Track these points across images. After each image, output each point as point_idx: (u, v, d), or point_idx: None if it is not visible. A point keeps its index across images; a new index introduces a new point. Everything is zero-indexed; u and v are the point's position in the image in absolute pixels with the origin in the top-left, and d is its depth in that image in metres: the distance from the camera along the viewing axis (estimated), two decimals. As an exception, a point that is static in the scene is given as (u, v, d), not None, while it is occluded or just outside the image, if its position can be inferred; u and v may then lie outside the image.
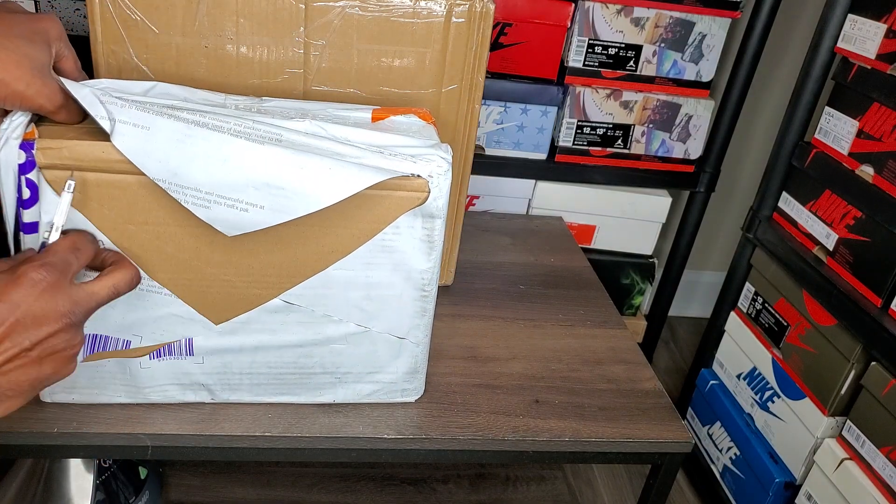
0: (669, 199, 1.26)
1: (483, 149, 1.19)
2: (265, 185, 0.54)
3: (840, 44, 1.01)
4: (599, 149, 1.21)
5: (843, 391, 0.98)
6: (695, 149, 1.23)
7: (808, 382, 1.04)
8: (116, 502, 0.89)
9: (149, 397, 0.66)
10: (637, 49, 1.14)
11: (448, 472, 1.09)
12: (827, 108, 1.05)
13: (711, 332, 1.28)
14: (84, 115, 0.56)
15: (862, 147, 0.97)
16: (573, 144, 1.20)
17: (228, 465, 1.05)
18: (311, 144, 0.57)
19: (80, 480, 0.86)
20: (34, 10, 1.05)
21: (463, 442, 0.69)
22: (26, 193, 0.54)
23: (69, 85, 0.54)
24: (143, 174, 0.54)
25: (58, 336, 0.49)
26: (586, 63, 1.14)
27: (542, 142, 1.19)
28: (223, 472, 1.04)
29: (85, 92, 0.54)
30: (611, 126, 1.19)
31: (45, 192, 0.54)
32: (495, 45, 1.12)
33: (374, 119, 0.65)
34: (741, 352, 1.19)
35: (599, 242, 1.29)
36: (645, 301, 1.36)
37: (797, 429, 1.05)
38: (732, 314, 1.21)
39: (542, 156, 1.21)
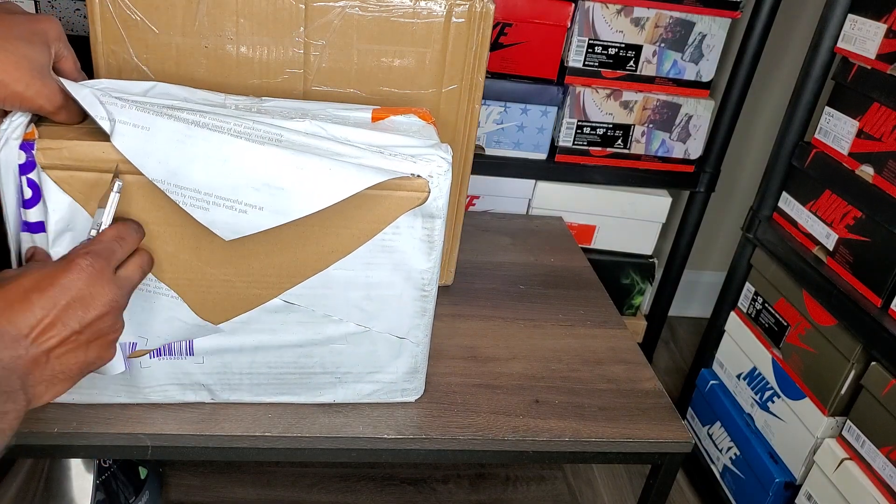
0: (669, 199, 1.26)
1: (483, 149, 1.19)
2: (265, 185, 0.54)
3: (840, 44, 1.01)
4: (599, 149, 1.21)
5: (843, 391, 0.98)
6: (695, 149, 1.23)
7: (808, 382, 1.04)
8: (116, 502, 0.89)
9: (149, 397, 0.66)
10: (637, 49, 1.14)
11: (448, 472, 1.09)
12: (827, 108, 1.05)
13: (711, 332, 1.28)
14: (84, 116, 0.56)
15: (862, 147, 0.97)
16: (573, 144, 1.20)
17: (228, 465, 1.05)
18: (311, 144, 0.57)
19: (80, 480, 0.86)
20: (34, 11, 1.05)
21: (463, 442, 0.69)
22: (28, 193, 0.54)
23: (69, 85, 0.54)
24: (143, 174, 0.54)
25: (104, 319, 0.51)
26: (586, 63, 1.14)
27: (542, 142, 1.19)
28: (223, 472, 1.04)
29: (85, 92, 0.54)
30: (611, 126, 1.19)
31: (50, 190, 0.54)
32: (495, 45, 1.12)
33: (373, 119, 0.65)
34: (741, 352, 1.19)
35: (599, 242, 1.29)
36: (645, 301, 1.36)
37: (797, 429, 1.05)
38: (732, 314, 1.21)
39: (542, 156, 1.21)
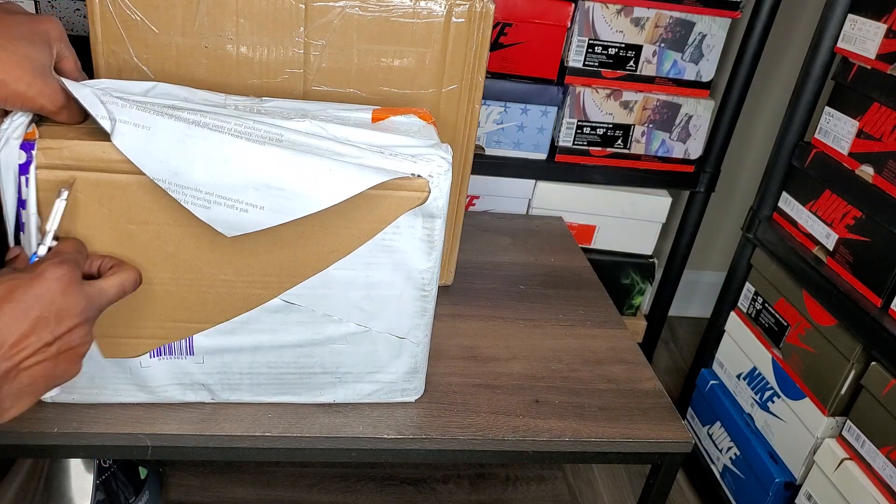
0: (669, 199, 1.26)
1: (483, 149, 1.19)
2: (265, 185, 0.55)
3: (840, 44, 1.01)
4: (599, 149, 1.21)
5: (843, 391, 0.98)
6: (695, 149, 1.23)
7: (808, 382, 1.04)
8: (116, 502, 0.89)
9: (149, 397, 0.66)
10: (637, 49, 1.14)
11: (448, 472, 1.09)
12: (827, 108, 1.05)
13: (711, 332, 1.28)
14: (85, 116, 0.56)
15: (862, 147, 0.97)
16: (573, 144, 1.20)
17: (228, 465, 1.05)
18: (312, 145, 0.57)
19: (80, 480, 0.86)
20: (34, 11, 1.05)
21: (463, 442, 0.69)
22: (26, 193, 0.54)
23: (70, 85, 0.54)
24: (144, 174, 0.54)
25: (75, 332, 0.50)
26: (586, 63, 1.14)
27: (542, 142, 1.19)
28: (223, 472, 1.04)
29: (85, 92, 0.54)
30: (611, 126, 1.19)
31: (31, 192, 0.54)
32: (495, 45, 1.12)
33: (374, 119, 0.65)
34: (741, 352, 1.19)
35: (599, 242, 1.29)
36: (645, 301, 1.36)
37: (797, 429, 1.05)
38: (732, 314, 1.21)
39: (542, 156, 1.21)
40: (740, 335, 1.19)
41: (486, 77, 0.96)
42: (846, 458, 0.95)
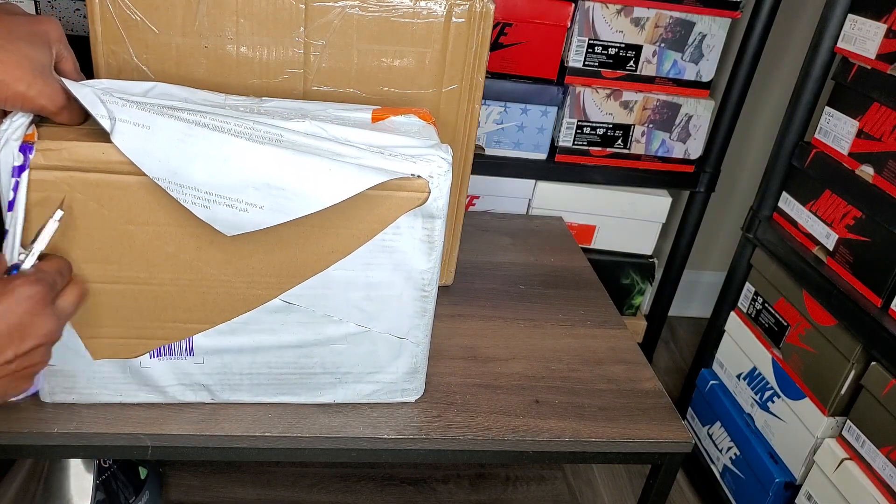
0: (669, 199, 1.26)
1: (483, 149, 1.19)
2: (265, 185, 0.54)
3: (840, 44, 1.01)
4: (599, 149, 1.21)
5: (843, 391, 0.98)
6: (695, 149, 1.23)
7: (808, 382, 1.04)
8: (116, 502, 0.89)
9: (149, 397, 0.66)
10: (637, 49, 1.14)
11: (448, 472, 1.09)
12: (827, 108, 1.05)
13: (711, 332, 1.28)
14: (85, 117, 0.56)
15: (862, 147, 0.97)
16: (573, 144, 1.20)
17: (228, 465, 1.05)
18: (312, 145, 0.57)
19: (80, 480, 0.86)
20: (34, 12, 1.05)
21: (463, 442, 0.69)
22: (15, 197, 0.54)
23: (70, 85, 0.54)
24: (144, 175, 0.54)
25: (38, 351, 0.49)
26: (586, 63, 1.14)
27: (542, 142, 1.19)
28: (223, 472, 1.04)
29: (86, 91, 0.54)
30: (611, 126, 1.19)
31: (21, 196, 0.54)
32: (495, 45, 1.12)
33: (374, 119, 0.65)
34: (741, 352, 1.19)
35: (599, 242, 1.29)
36: (645, 301, 1.36)
37: (797, 429, 1.05)
38: (732, 314, 1.21)
39: (542, 156, 1.21)
40: (740, 335, 1.19)
41: (486, 77, 0.96)
42: (846, 458, 0.95)
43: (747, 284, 1.19)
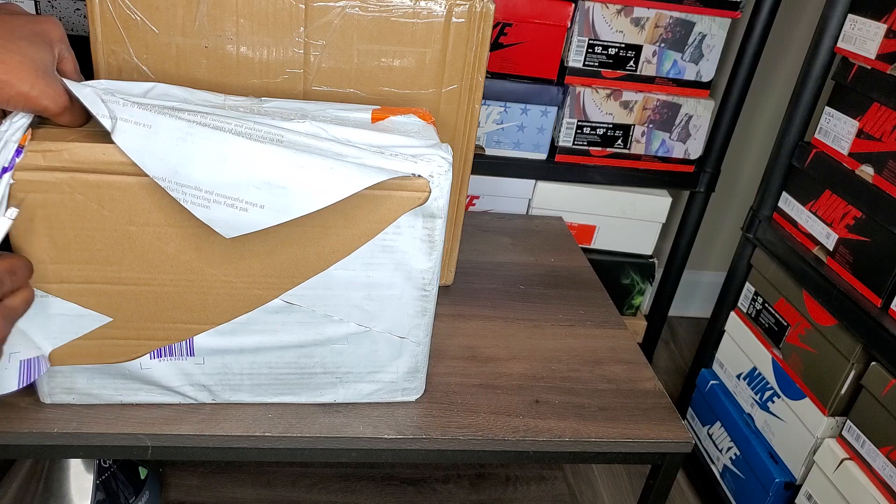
0: (669, 199, 1.26)
1: (483, 149, 1.19)
2: (266, 183, 0.54)
3: (840, 44, 1.01)
4: (599, 149, 1.21)
5: (843, 391, 0.98)
6: (695, 149, 1.23)
7: (808, 382, 1.04)
8: (116, 502, 0.89)
9: (149, 398, 0.66)
10: (637, 49, 1.14)
11: (448, 472, 1.09)
12: (827, 108, 1.05)
13: (711, 332, 1.28)
14: (87, 118, 0.56)
15: (862, 147, 0.97)
16: (573, 144, 1.20)
17: (228, 465, 1.05)
18: (312, 145, 0.57)
19: (80, 480, 0.86)
20: (34, 12, 1.05)
21: (463, 442, 0.69)
22: None
23: (71, 85, 0.54)
24: (145, 176, 0.54)
25: None
26: (586, 63, 1.14)
27: (542, 142, 1.19)
28: (223, 472, 1.04)
29: (87, 91, 0.54)
30: (611, 126, 1.19)
31: (3, 198, 0.54)
32: (495, 45, 1.12)
33: (373, 119, 0.65)
34: (741, 352, 1.19)
35: (599, 242, 1.29)
36: (645, 301, 1.36)
37: (797, 429, 1.05)
38: (732, 314, 1.21)
39: (542, 156, 1.21)
40: (740, 335, 1.19)
41: (486, 77, 0.96)
42: (846, 458, 0.95)
43: (747, 284, 1.19)
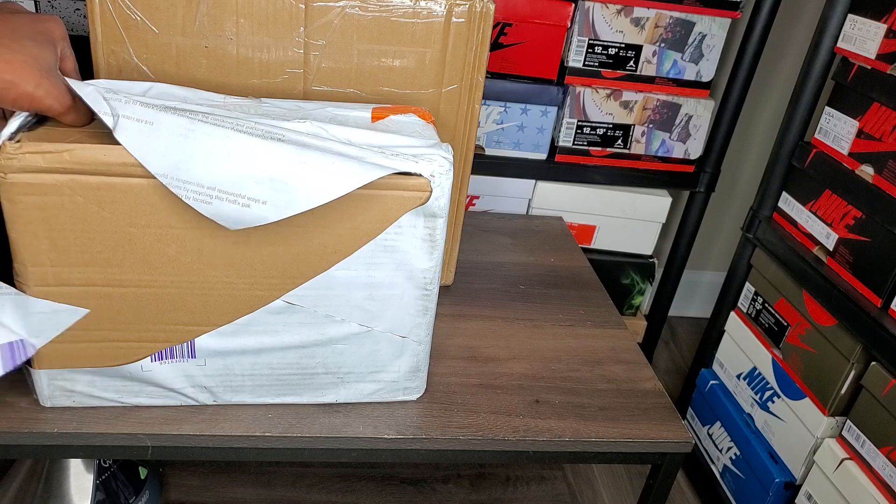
0: (669, 199, 1.26)
1: (483, 149, 1.19)
2: (268, 179, 0.54)
3: (840, 44, 1.01)
4: (599, 149, 1.21)
5: (843, 391, 0.98)
6: (695, 149, 1.23)
7: (808, 382, 1.04)
8: (116, 502, 0.89)
9: (150, 400, 0.66)
10: (637, 49, 1.14)
11: (448, 472, 1.09)
12: (827, 108, 1.05)
13: (711, 332, 1.28)
14: (90, 118, 0.56)
15: (862, 147, 0.97)
16: (573, 144, 1.20)
17: (228, 465, 1.05)
18: (314, 144, 0.57)
19: (80, 480, 0.86)
20: (34, 11, 1.05)
21: (463, 442, 0.69)
22: None
23: (73, 84, 0.54)
24: (146, 177, 0.54)
25: None
26: (586, 63, 1.14)
27: (542, 142, 1.19)
28: (223, 472, 1.04)
29: (89, 90, 0.54)
30: (611, 126, 1.19)
31: None
32: (495, 45, 1.12)
33: (373, 118, 0.65)
34: (741, 352, 1.19)
35: (599, 242, 1.29)
36: (645, 301, 1.36)
37: (797, 429, 1.05)
38: (732, 314, 1.21)
39: (542, 156, 1.21)
40: (740, 335, 1.19)
41: (486, 77, 0.96)
42: (846, 458, 0.95)
43: (747, 284, 1.19)
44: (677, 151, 1.23)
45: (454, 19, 0.73)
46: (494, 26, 1.09)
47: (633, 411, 0.75)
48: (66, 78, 0.54)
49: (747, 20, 1.17)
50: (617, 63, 1.15)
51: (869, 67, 0.96)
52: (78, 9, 1.06)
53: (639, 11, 1.11)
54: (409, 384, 0.71)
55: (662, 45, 1.14)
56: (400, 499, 1.04)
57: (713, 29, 1.14)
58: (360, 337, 0.66)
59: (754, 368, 1.16)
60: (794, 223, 1.10)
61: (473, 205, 1.22)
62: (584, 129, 1.18)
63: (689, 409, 1.32)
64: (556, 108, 1.17)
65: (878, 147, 0.94)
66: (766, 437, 1.13)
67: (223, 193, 0.54)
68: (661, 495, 0.76)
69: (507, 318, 0.89)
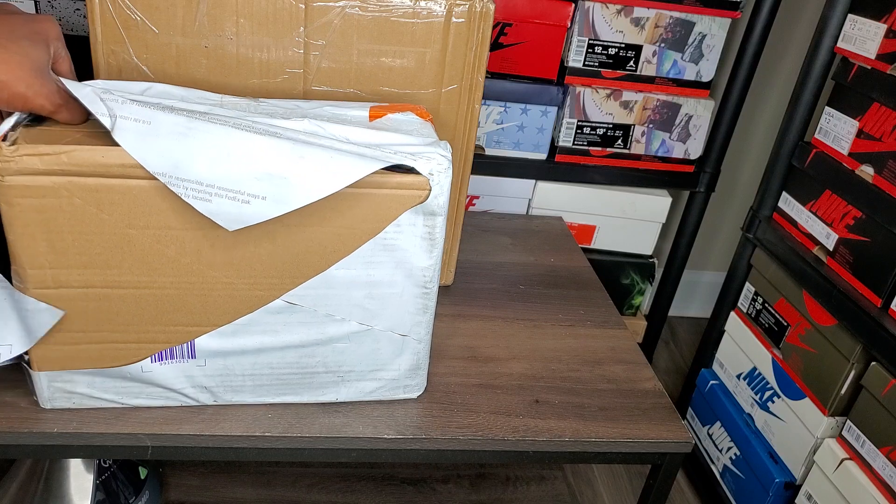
0: (669, 199, 1.26)
1: (483, 149, 1.19)
2: (267, 175, 0.54)
3: (840, 44, 1.01)
4: (599, 149, 1.21)
5: (843, 391, 0.98)
6: (695, 149, 1.23)
7: (808, 382, 1.04)
8: (116, 502, 0.89)
9: (150, 401, 0.66)
10: (637, 49, 1.14)
11: (448, 472, 1.09)
12: (827, 108, 1.05)
13: (711, 332, 1.28)
14: (86, 116, 0.56)
15: (862, 147, 0.97)
16: (573, 144, 1.20)
17: (228, 465, 1.05)
18: (311, 142, 0.57)
19: (80, 480, 0.86)
20: (34, 11, 1.05)
21: (463, 442, 0.69)
22: None
23: (70, 84, 0.54)
24: (144, 178, 0.54)
25: None
26: (586, 63, 1.14)
27: (542, 142, 1.19)
28: (223, 472, 1.04)
29: (86, 91, 0.54)
30: (611, 126, 1.19)
31: None
32: (495, 45, 1.12)
33: (371, 117, 0.65)
34: (741, 352, 1.19)
35: (599, 242, 1.29)
36: (645, 301, 1.36)
37: (797, 429, 1.05)
38: (732, 314, 1.21)
39: (542, 156, 1.21)
40: (740, 335, 1.19)
41: (486, 77, 0.96)
42: (846, 458, 0.95)
43: (747, 284, 1.19)
44: (677, 151, 1.23)
45: (454, 19, 0.73)
46: (494, 26, 1.09)
47: (633, 411, 0.75)
48: (63, 79, 0.54)
49: (747, 20, 1.17)
50: (617, 63, 1.15)
51: (869, 67, 0.96)
52: (78, 9, 1.06)
53: (639, 11, 1.11)
54: (410, 382, 0.71)
55: (662, 45, 1.14)
56: (400, 499, 1.04)
57: (713, 29, 1.14)
58: (360, 335, 0.66)
59: (754, 368, 1.16)
60: (794, 223, 1.10)
61: (473, 205, 1.22)
62: (584, 129, 1.18)
63: (689, 409, 1.32)
64: (556, 108, 1.17)
65: (878, 147, 0.94)
66: (766, 437, 1.13)
67: (223, 190, 0.54)
68: (661, 495, 0.76)
69: (507, 318, 0.89)
